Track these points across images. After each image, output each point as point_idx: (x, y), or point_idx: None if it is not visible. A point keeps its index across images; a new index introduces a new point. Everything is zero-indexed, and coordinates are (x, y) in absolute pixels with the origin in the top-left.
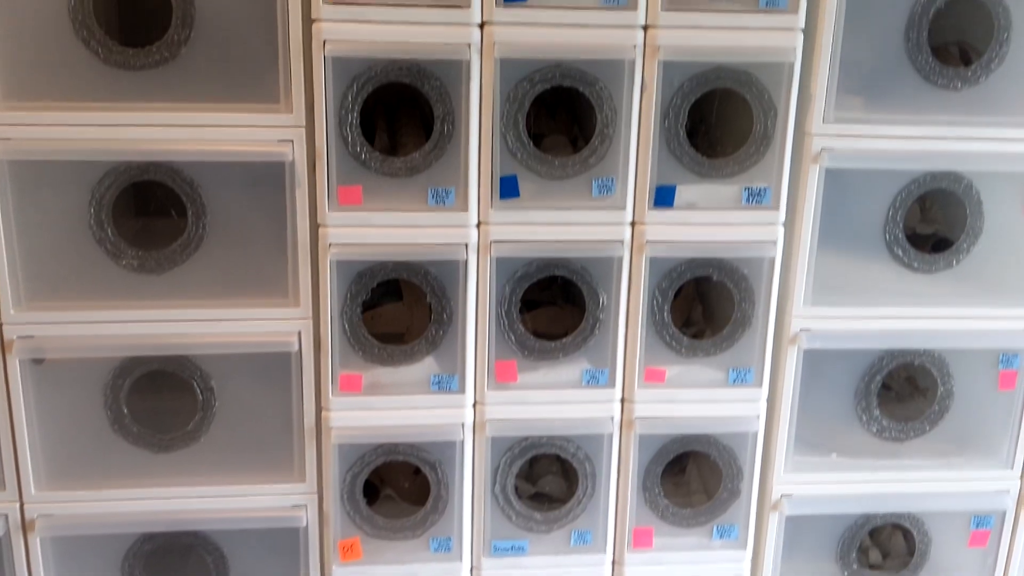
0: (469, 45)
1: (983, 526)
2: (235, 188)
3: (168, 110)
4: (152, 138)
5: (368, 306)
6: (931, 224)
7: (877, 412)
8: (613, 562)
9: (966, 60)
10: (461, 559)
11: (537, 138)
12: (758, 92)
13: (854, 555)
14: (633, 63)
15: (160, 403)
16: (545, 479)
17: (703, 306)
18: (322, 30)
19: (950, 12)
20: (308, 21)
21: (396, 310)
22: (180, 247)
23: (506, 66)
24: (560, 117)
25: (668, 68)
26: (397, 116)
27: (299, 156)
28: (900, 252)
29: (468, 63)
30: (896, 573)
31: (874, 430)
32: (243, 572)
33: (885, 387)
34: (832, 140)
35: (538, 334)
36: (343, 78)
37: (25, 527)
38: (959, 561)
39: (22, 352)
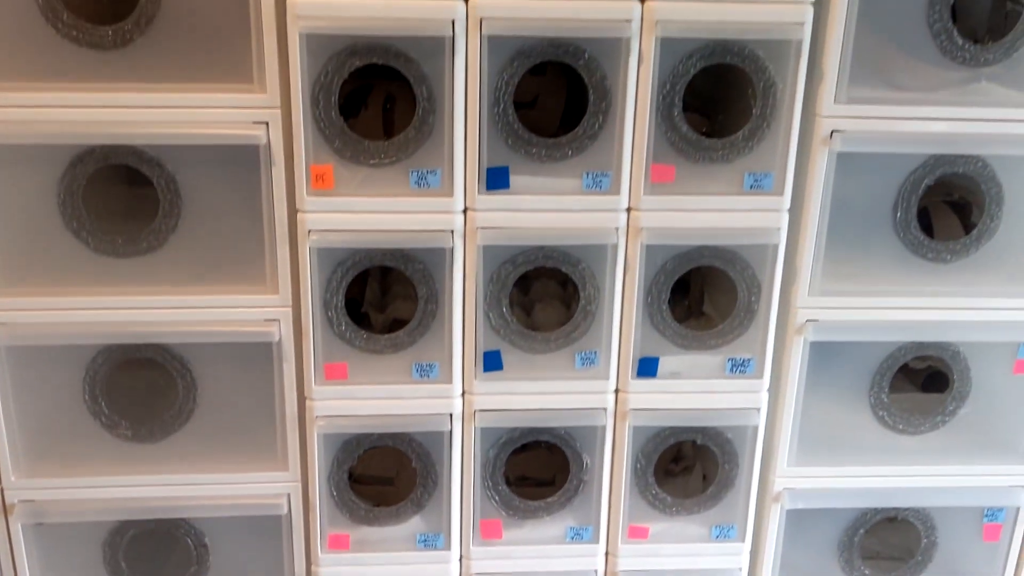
0: (452, 232)
1: None
2: (223, 363)
3: (155, 293)
4: (142, 320)
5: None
6: (924, 360)
7: (860, 563)
8: None
9: (964, 207)
10: None
11: (526, 280)
12: (742, 269)
13: None
14: (616, 246)
15: (156, 558)
16: None
17: (693, 440)
18: (306, 221)
19: (941, 183)
20: (293, 210)
21: (387, 454)
22: (172, 417)
23: (489, 251)
24: None
25: (651, 250)
26: (389, 271)
27: (286, 334)
28: (885, 415)
29: (451, 249)
30: None
31: None
32: None
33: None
34: (817, 312)
35: (523, 477)
36: (327, 265)
37: None
38: None
39: (23, 516)
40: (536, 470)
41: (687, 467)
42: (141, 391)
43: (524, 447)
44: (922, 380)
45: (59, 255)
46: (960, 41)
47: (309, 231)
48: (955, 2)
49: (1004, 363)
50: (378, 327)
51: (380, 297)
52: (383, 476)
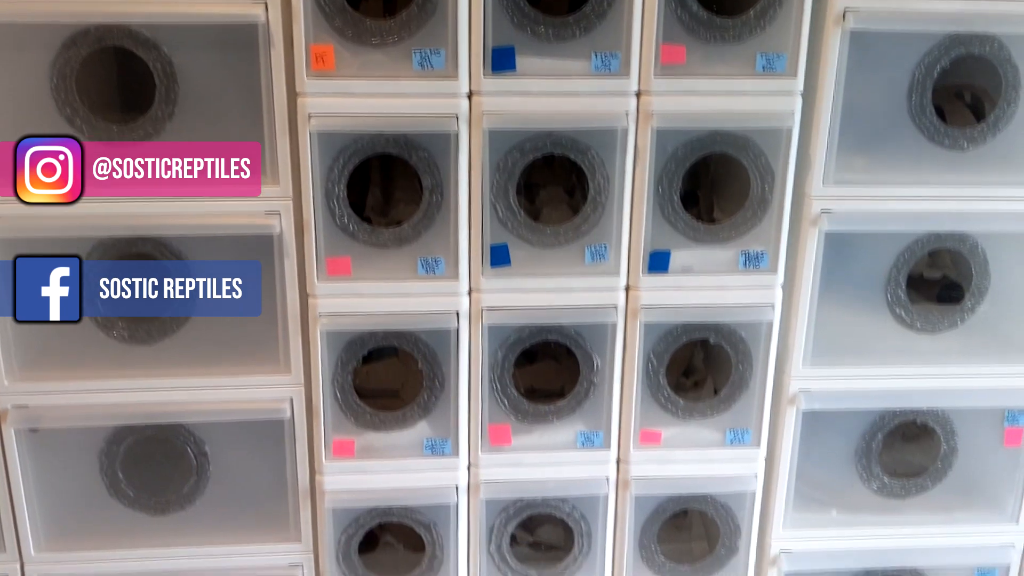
0: (457, 116)
1: None
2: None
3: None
4: (141, 212)
5: (366, 358)
6: (939, 269)
7: (878, 470)
8: None
9: (978, 106)
10: None
11: (532, 187)
12: (755, 156)
13: None
14: (626, 131)
15: (155, 467)
16: (544, 528)
17: (704, 352)
18: (306, 105)
19: (956, 71)
20: (293, 95)
21: (391, 365)
22: (170, 319)
23: (495, 137)
24: (557, 166)
25: (662, 135)
26: (392, 173)
27: (287, 227)
28: (902, 313)
29: (456, 135)
30: None
31: (875, 488)
32: None
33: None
34: (832, 202)
35: (533, 389)
36: (329, 152)
37: None
38: None
39: (16, 422)
40: (545, 382)
41: (697, 381)
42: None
43: (533, 358)
44: (937, 292)
45: None
46: None
47: (309, 115)
48: None
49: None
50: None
51: (383, 203)
52: (387, 389)
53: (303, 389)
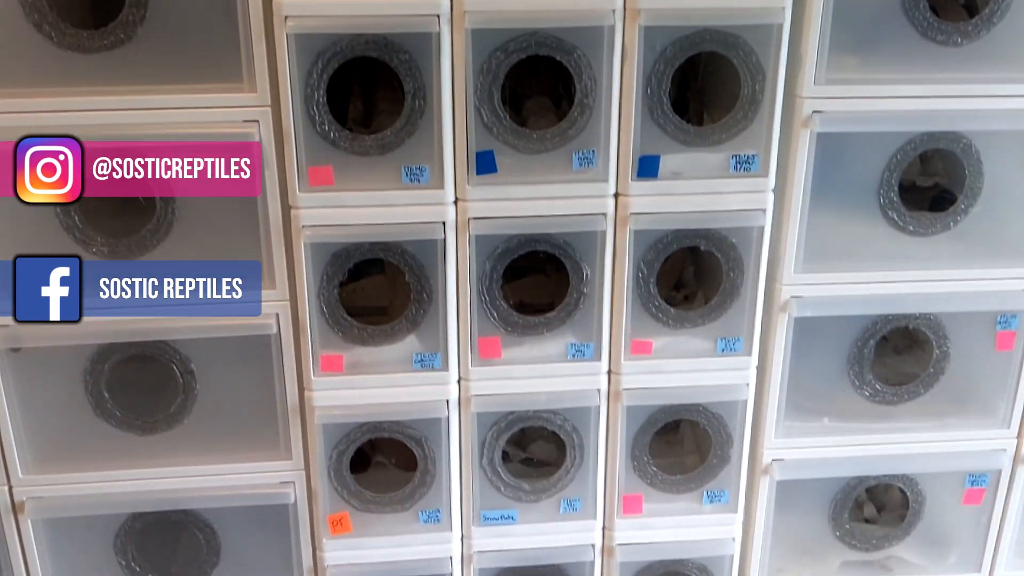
0: (438, 16)
1: (978, 484)
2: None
3: (129, 93)
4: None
5: (353, 276)
6: (931, 176)
7: (870, 376)
8: (603, 528)
9: (971, 6)
10: (451, 529)
11: (518, 99)
12: (745, 55)
13: (846, 515)
14: (612, 29)
15: (139, 384)
16: (536, 444)
17: (695, 266)
18: (283, 5)
19: None
20: None
21: (378, 283)
22: (151, 232)
23: (478, 36)
24: (543, 76)
25: (650, 33)
26: (374, 85)
27: (266, 136)
28: (895, 216)
29: (438, 35)
30: (890, 529)
31: (867, 394)
32: (235, 549)
33: (883, 339)
34: (824, 103)
35: (522, 304)
36: (307, 55)
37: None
38: (953, 518)
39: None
40: (535, 297)
41: (688, 295)
42: (119, 212)
43: (522, 273)
44: (929, 200)
45: None
46: None
47: (286, 17)
48: None
49: (1018, 157)
50: None
51: (364, 114)
52: (376, 307)
53: (289, 304)
